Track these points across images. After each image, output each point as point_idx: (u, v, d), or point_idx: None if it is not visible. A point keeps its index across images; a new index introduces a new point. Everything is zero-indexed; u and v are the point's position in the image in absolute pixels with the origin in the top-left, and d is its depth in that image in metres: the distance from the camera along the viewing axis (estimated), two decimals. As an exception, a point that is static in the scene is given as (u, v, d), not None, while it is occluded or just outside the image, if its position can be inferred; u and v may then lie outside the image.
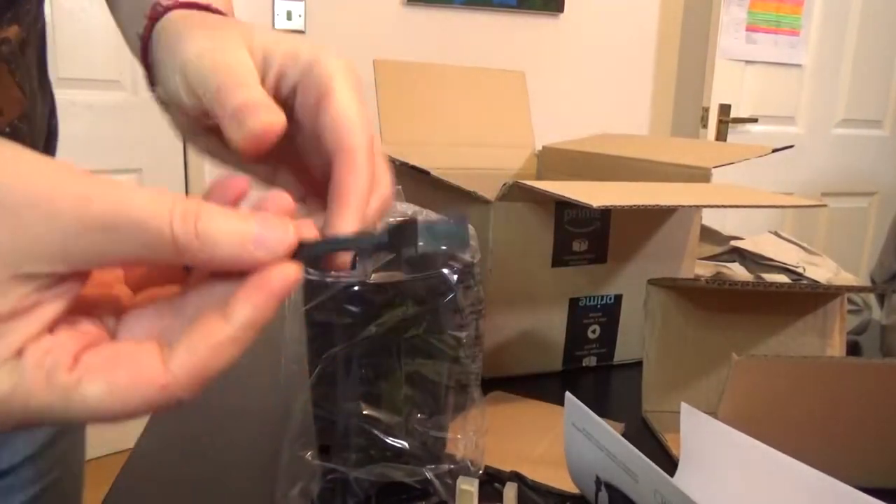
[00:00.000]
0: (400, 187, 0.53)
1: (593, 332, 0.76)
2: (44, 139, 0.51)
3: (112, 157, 1.90)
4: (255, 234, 0.25)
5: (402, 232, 0.28)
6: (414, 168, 0.65)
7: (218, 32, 0.34)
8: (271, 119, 0.29)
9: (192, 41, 0.33)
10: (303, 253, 0.27)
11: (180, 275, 0.29)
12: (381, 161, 0.33)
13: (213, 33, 0.34)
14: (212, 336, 0.25)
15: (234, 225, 0.25)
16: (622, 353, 0.78)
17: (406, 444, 0.48)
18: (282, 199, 0.28)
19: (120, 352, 0.24)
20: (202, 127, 0.36)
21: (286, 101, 0.33)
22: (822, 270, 0.93)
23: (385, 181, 0.33)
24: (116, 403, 0.23)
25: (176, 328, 0.26)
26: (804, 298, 0.66)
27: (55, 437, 0.60)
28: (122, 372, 0.24)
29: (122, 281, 0.29)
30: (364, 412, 0.47)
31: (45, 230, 0.22)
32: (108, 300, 0.27)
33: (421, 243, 0.28)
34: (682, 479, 0.49)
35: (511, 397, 0.68)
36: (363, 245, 0.30)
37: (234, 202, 0.28)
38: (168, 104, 0.37)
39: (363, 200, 0.30)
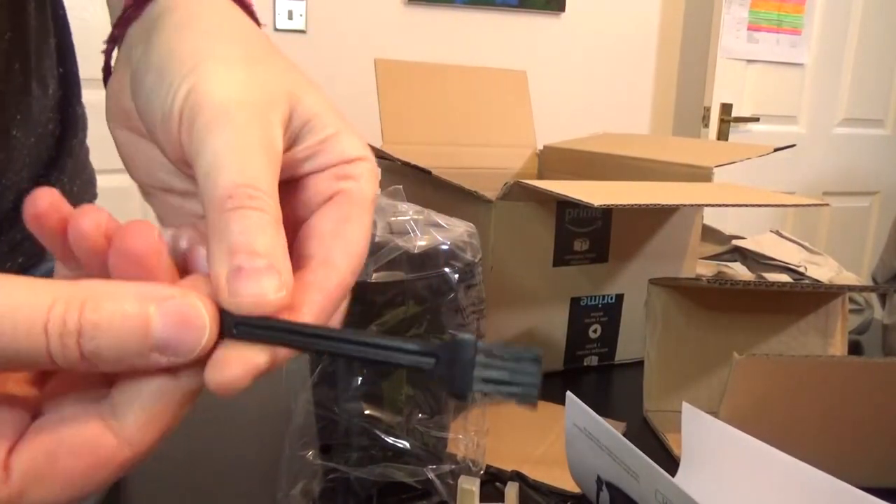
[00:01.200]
0: (401, 187, 0.53)
1: (594, 331, 0.76)
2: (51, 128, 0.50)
3: (113, 158, 1.90)
4: (156, 338, 0.20)
5: (458, 362, 0.22)
6: (415, 167, 0.65)
7: (260, 69, 0.25)
8: (267, 293, 0.21)
9: (216, 63, 0.24)
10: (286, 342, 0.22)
11: None
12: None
13: (252, 67, 0.25)
14: (162, 387, 0.21)
15: (126, 326, 0.20)
16: (623, 353, 0.78)
17: (407, 444, 0.48)
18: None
19: (60, 439, 0.20)
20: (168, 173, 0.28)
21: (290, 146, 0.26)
22: (823, 270, 0.93)
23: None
24: (74, 496, 0.21)
25: (110, 395, 0.22)
26: (806, 298, 0.66)
27: None
28: (71, 462, 0.20)
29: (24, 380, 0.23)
30: (365, 412, 0.47)
31: None
32: (11, 401, 0.22)
33: (479, 385, 0.22)
34: (684, 478, 0.49)
35: (512, 397, 0.68)
36: (392, 357, 0.22)
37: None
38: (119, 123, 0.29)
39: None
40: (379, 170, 0.27)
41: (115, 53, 0.30)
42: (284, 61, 0.27)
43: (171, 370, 0.21)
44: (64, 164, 0.48)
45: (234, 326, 0.21)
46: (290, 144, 0.25)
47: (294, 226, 0.26)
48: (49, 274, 0.46)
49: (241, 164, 0.22)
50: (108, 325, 0.19)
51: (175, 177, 0.28)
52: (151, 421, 0.21)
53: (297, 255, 0.25)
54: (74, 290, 0.19)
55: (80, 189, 0.49)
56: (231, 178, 0.22)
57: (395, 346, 0.22)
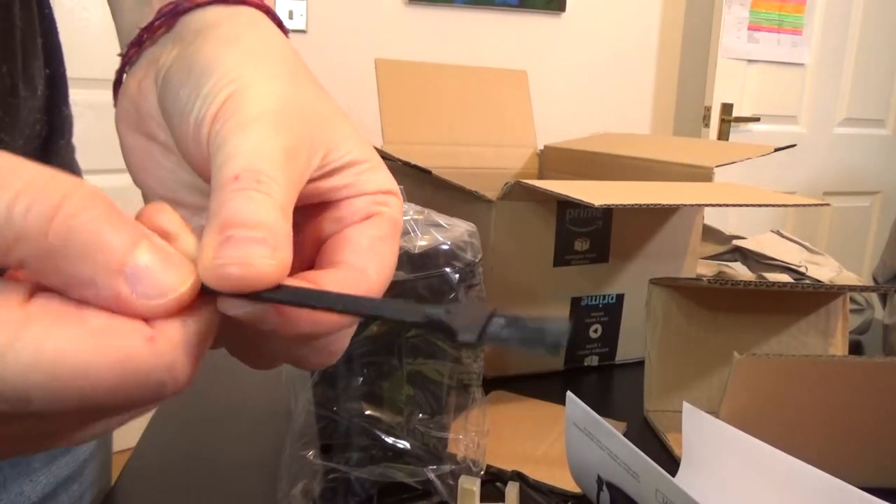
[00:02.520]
0: (402, 187, 0.53)
1: (595, 331, 0.76)
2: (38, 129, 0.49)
3: (113, 158, 1.90)
4: (135, 261, 0.18)
5: (470, 312, 0.21)
6: (415, 167, 0.65)
7: (301, 91, 0.25)
8: (253, 259, 0.20)
9: (259, 77, 0.24)
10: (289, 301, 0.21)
11: None
12: None
13: (294, 87, 0.25)
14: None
15: (108, 229, 0.18)
16: (624, 353, 0.78)
17: (407, 444, 0.48)
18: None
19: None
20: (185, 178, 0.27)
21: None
22: (824, 270, 0.93)
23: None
24: (85, 354, 0.17)
25: None
26: (806, 298, 0.66)
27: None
28: (92, 314, 0.18)
29: None
30: (366, 412, 0.47)
31: None
32: None
33: (492, 330, 0.21)
34: (684, 478, 0.49)
35: (512, 397, 0.68)
36: (402, 317, 0.21)
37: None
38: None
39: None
40: (402, 204, 0.28)
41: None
42: (321, 89, 0.27)
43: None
44: (51, 166, 0.47)
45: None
46: (328, 173, 0.25)
47: (321, 239, 0.26)
48: None
49: (254, 154, 0.22)
50: (88, 218, 0.18)
51: (189, 190, 0.28)
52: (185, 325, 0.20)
53: (326, 260, 0.25)
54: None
55: None
56: (241, 164, 0.21)
57: (402, 306, 0.21)
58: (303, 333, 0.22)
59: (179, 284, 0.19)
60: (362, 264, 0.24)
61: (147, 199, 0.28)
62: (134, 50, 0.29)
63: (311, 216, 0.26)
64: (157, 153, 0.27)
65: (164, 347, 0.19)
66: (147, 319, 0.19)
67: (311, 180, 0.24)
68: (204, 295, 0.20)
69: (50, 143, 0.48)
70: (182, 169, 0.27)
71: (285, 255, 0.21)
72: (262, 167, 0.21)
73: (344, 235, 0.25)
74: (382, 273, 0.24)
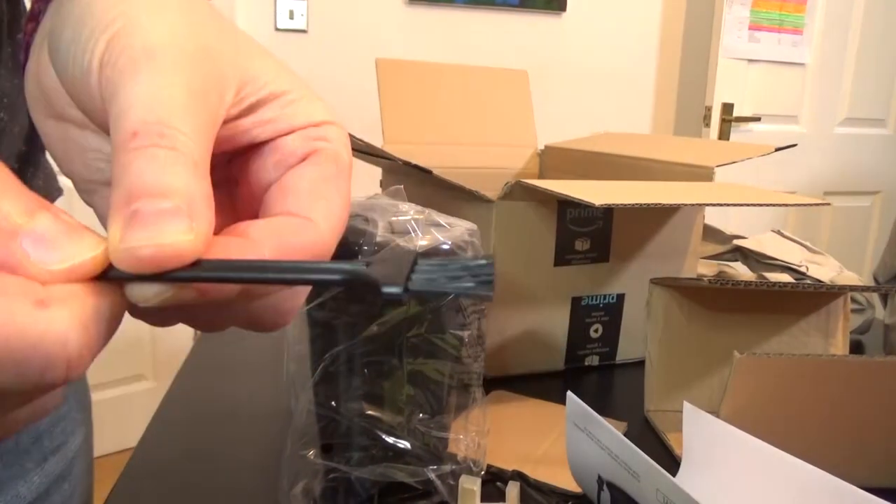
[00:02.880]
0: (402, 187, 0.53)
1: (595, 331, 0.76)
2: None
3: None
4: (30, 229, 0.17)
5: (392, 261, 0.19)
6: (416, 167, 0.65)
7: (197, 19, 0.22)
8: (165, 238, 0.17)
9: (144, 9, 0.20)
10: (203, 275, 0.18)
11: None
12: None
13: (188, 16, 0.21)
14: None
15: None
16: (624, 353, 0.78)
17: (408, 444, 0.48)
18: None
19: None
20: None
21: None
22: (825, 269, 0.93)
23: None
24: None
25: None
26: (807, 298, 0.66)
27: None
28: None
29: None
30: (366, 412, 0.47)
31: None
32: None
33: (418, 277, 0.19)
34: (685, 478, 0.49)
35: (513, 396, 0.68)
36: (318, 277, 0.19)
37: None
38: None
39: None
40: (348, 136, 0.24)
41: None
42: (232, 26, 0.23)
43: None
44: (37, 158, 0.46)
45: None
46: (247, 109, 0.22)
47: (262, 191, 0.23)
48: None
49: (153, 102, 0.18)
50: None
51: None
52: None
53: (269, 215, 0.22)
54: None
55: (46, 183, 0.47)
56: (139, 116, 0.18)
57: (317, 266, 0.19)
58: (234, 300, 0.20)
59: (82, 253, 0.17)
60: (306, 211, 0.21)
61: (79, 190, 0.25)
62: (31, 26, 0.26)
63: (245, 166, 0.23)
64: (74, 134, 0.24)
65: (57, 315, 0.16)
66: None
67: (227, 120, 0.21)
68: (112, 280, 0.18)
69: (35, 136, 0.45)
70: (108, 144, 0.22)
71: (204, 223, 0.18)
72: (163, 116, 0.18)
73: (282, 182, 0.22)
74: (331, 219, 0.21)
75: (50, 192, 0.47)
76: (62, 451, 0.48)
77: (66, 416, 0.48)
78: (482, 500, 0.44)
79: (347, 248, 0.46)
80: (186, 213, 0.18)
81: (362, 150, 0.67)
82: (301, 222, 0.21)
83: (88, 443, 0.54)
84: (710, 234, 1.01)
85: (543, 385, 0.71)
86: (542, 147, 1.07)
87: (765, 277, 0.91)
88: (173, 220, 0.17)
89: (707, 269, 0.92)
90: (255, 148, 0.23)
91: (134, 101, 0.18)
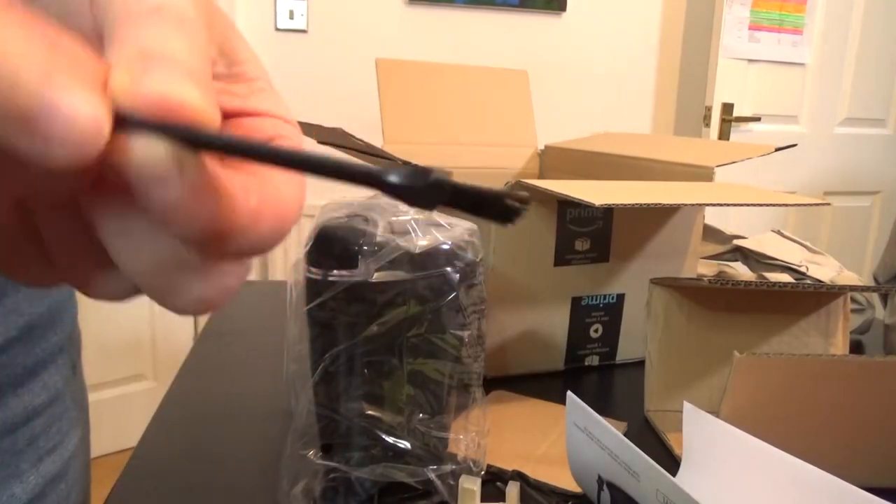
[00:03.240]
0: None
1: (595, 331, 0.76)
2: None
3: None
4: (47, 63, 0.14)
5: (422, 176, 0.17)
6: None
7: None
8: (173, 87, 0.16)
9: None
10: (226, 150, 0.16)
11: None
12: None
13: None
14: None
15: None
16: (624, 353, 0.78)
17: (408, 444, 0.48)
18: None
19: None
20: None
21: None
22: (825, 270, 0.93)
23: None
24: None
25: None
26: (807, 298, 0.66)
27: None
28: None
29: None
30: (366, 412, 0.47)
31: None
32: None
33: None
34: (685, 478, 0.49)
35: (513, 396, 0.68)
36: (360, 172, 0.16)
37: None
38: None
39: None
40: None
41: None
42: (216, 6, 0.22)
43: None
44: None
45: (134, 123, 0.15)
46: (224, 76, 0.21)
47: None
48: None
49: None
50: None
51: None
52: None
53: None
54: None
55: None
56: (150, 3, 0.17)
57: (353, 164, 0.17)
58: (208, 230, 0.17)
59: (91, 118, 0.14)
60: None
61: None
62: None
63: None
64: None
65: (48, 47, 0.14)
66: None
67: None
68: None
69: None
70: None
71: (208, 94, 0.16)
72: (187, 14, 0.17)
73: None
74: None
75: None
76: (58, 451, 0.48)
77: (61, 416, 0.48)
78: (482, 500, 0.44)
79: (348, 248, 0.46)
80: (193, 75, 0.16)
81: (362, 150, 0.67)
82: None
83: (85, 442, 0.54)
84: (710, 234, 1.01)
85: (543, 385, 0.71)
86: (542, 147, 1.07)
87: (765, 277, 0.91)
88: (189, 84, 0.16)
89: (707, 269, 0.92)
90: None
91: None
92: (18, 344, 0.43)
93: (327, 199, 0.53)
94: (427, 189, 0.16)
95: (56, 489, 0.48)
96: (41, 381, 0.45)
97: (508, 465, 0.54)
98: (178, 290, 0.18)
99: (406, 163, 0.16)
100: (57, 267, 0.20)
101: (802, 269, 0.93)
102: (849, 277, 0.92)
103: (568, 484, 0.52)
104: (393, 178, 0.16)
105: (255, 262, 2.32)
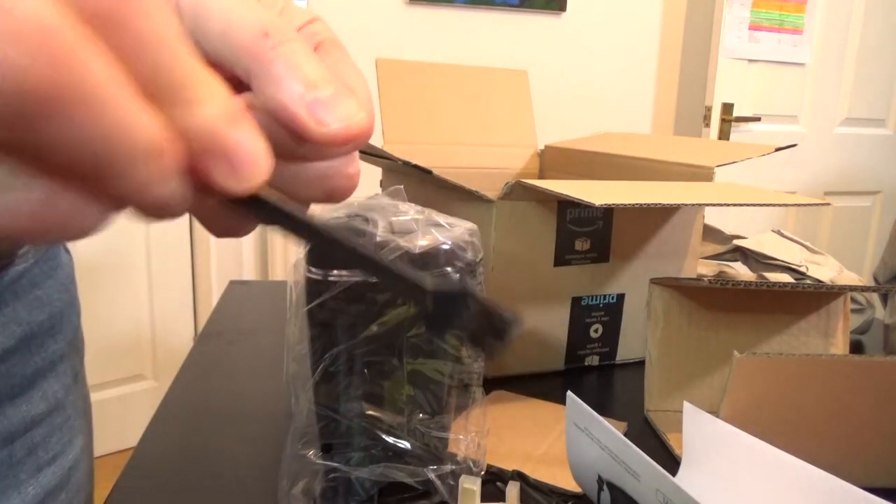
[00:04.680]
0: (402, 187, 0.53)
1: (596, 331, 0.76)
2: None
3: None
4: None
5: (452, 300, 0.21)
6: (416, 167, 0.65)
7: None
8: (353, 114, 0.20)
9: None
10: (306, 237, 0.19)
11: None
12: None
13: None
14: None
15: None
16: (624, 353, 0.78)
17: (408, 444, 0.48)
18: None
19: None
20: None
21: None
22: (825, 270, 0.93)
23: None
24: None
25: None
26: (807, 298, 0.66)
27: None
28: None
29: None
30: (366, 412, 0.47)
31: None
32: None
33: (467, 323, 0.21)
34: (685, 478, 0.49)
35: (513, 396, 0.68)
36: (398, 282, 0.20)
37: None
38: None
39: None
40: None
41: None
42: None
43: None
44: None
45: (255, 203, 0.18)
46: None
47: None
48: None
49: (255, 14, 0.20)
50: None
51: None
52: None
53: None
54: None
55: None
56: (257, 19, 0.20)
57: (399, 271, 0.20)
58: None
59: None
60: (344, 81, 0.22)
61: None
62: None
63: None
64: None
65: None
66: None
67: None
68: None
69: None
70: None
71: (365, 99, 0.21)
72: (271, 21, 0.20)
73: None
74: (365, 88, 0.23)
75: None
76: (59, 461, 0.47)
77: (62, 425, 0.47)
78: (482, 500, 0.44)
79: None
80: (347, 92, 0.20)
81: (362, 150, 0.67)
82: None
83: (88, 450, 0.54)
84: (710, 234, 1.01)
85: (543, 385, 0.71)
86: (542, 147, 1.07)
87: (765, 277, 0.91)
88: (346, 100, 0.20)
89: (707, 269, 0.92)
90: None
91: (237, 13, 0.20)
92: (16, 354, 0.42)
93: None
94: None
95: (57, 500, 0.47)
96: (40, 391, 0.44)
97: (508, 465, 0.54)
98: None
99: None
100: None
101: (802, 270, 0.93)
102: (849, 277, 0.92)
103: (568, 484, 0.52)
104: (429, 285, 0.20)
105: (255, 262, 2.33)
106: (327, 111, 0.19)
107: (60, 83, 0.13)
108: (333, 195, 0.24)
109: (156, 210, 0.16)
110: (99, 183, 0.15)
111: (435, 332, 0.20)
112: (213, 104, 0.16)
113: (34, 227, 0.15)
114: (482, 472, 0.52)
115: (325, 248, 0.20)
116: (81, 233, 0.16)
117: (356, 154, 0.24)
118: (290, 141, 0.20)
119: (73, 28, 0.13)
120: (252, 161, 0.17)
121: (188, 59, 0.16)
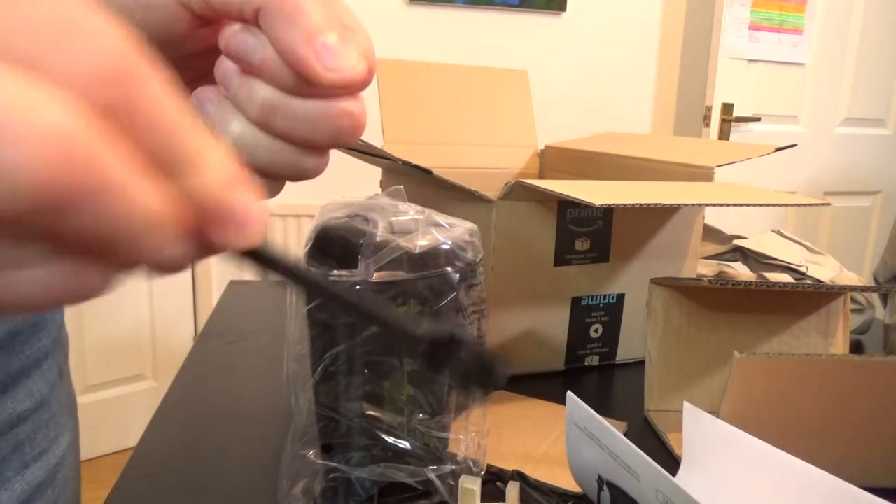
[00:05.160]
0: (402, 187, 0.53)
1: (596, 331, 0.76)
2: None
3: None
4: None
5: (443, 344, 0.22)
6: (416, 167, 0.65)
7: None
8: (355, 64, 0.23)
9: None
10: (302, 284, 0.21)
11: None
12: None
13: None
14: None
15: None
16: (624, 353, 0.78)
17: (408, 444, 0.48)
18: None
19: None
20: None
21: None
22: (825, 270, 0.93)
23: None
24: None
25: None
26: (807, 298, 0.66)
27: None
28: None
29: None
30: (366, 412, 0.47)
31: None
32: None
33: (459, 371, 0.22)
34: (685, 478, 0.49)
35: (513, 396, 0.68)
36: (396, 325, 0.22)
37: None
38: None
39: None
40: None
41: None
42: None
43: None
44: None
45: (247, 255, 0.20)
46: None
47: None
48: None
49: None
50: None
51: None
52: None
53: None
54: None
55: None
56: None
57: (394, 320, 0.22)
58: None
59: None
60: None
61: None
62: None
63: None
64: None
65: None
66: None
67: None
68: None
69: None
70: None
71: (365, 45, 0.25)
72: None
73: None
74: (363, 30, 0.26)
75: None
76: (45, 458, 0.47)
77: (48, 422, 0.47)
78: (482, 500, 0.44)
79: (348, 248, 0.46)
80: (350, 40, 0.23)
81: (362, 151, 0.67)
82: None
83: (74, 447, 0.54)
84: (710, 234, 1.01)
85: (543, 385, 0.71)
86: (542, 147, 1.07)
87: (765, 277, 0.91)
88: (349, 48, 0.23)
89: (707, 269, 0.92)
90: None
91: None
92: (1, 351, 0.42)
93: (327, 199, 0.53)
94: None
95: (43, 495, 0.48)
96: (26, 388, 0.45)
97: (508, 465, 0.54)
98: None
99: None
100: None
101: (802, 270, 0.93)
102: (849, 277, 0.92)
103: (568, 484, 0.52)
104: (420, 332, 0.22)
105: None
106: (333, 58, 0.22)
107: (80, 182, 0.14)
108: (340, 135, 0.25)
109: (163, 269, 0.18)
110: (113, 254, 0.16)
111: (430, 373, 0.22)
112: (217, 171, 0.18)
113: (50, 298, 0.17)
114: (482, 472, 0.52)
115: (323, 297, 0.22)
116: (91, 296, 0.17)
117: (361, 95, 0.26)
118: (299, 81, 0.22)
119: (89, 130, 0.14)
120: (251, 221, 0.18)
121: (192, 131, 0.17)
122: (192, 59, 0.27)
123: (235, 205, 0.18)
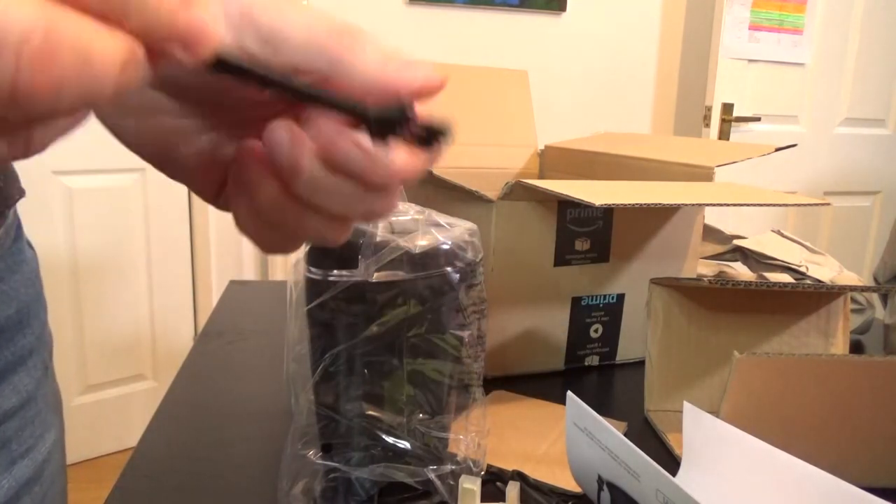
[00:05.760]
0: (402, 186, 0.53)
1: (596, 331, 0.76)
2: None
3: (115, 156, 1.91)
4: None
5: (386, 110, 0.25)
6: (416, 167, 0.65)
7: None
8: (430, 73, 0.26)
9: None
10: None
11: None
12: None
13: None
14: None
15: None
16: (624, 353, 0.78)
17: (408, 444, 0.48)
18: None
19: None
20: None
21: None
22: (825, 270, 0.93)
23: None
24: None
25: None
26: (807, 298, 0.66)
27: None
28: None
29: None
30: (366, 412, 0.47)
31: None
32: None
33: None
34: (685, 478, 0.49)
35: (513, 396, 0.68)
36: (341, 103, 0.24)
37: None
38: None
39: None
40: None
41: None
42: None
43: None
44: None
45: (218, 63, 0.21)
46: None
47: None
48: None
49: (328, 21, 0.25)
50: None
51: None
52: None
53: None
54: None
55: (7, 184, 0.45)
56: (331, 24, 0.25)
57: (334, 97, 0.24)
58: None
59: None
60: None
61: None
62: None
63: None
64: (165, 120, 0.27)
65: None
66: None
67: None
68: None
69: None
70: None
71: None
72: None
73: None
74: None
75: (11, 194, 0.46)
76: (31, 454, 0.47)
77: (34, 419, 0.47)
78: (482, 500, 0.44)
79: (348, 248, 0.46)
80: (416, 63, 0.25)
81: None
82: None
83: (60, 444, 0.54)
84: (710, 234, 1.01)
85: (543, 385, 0.71)
86: (542, 147, 1.07)
87: (765, 277, 0.91)
88: (414, 63, 0.25)
89: (707, 269, 0.92)
90: None
91: (304, 21, 0.24)
92: None
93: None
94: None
95: (30, 492, 0.48)
96: (11, 385, 0.45)
97: (508, 465, 0.54)
98: None
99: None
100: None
101: (802, 270, 0.93)
102: (849, 277, 0.92)
103: (568, 484, 0.52)
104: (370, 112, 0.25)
105: (255, 262, 2.32)
106: (410, 71, 0.25)
107: (50, 49, 0.16)
108: (371, 216, 0.29)
109: (123, 86, 0.19)
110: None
111: (376, 143, 0.26)
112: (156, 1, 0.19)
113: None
114: (482, 472, 0.52)
115: (287, 92, 0.23)
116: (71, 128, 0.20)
117: (400, 189, 0.29)
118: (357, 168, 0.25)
119: (50, 8, 0.17)
120: (200, 31, 0.20)
121: None
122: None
123: (181, 22, 0.19)
